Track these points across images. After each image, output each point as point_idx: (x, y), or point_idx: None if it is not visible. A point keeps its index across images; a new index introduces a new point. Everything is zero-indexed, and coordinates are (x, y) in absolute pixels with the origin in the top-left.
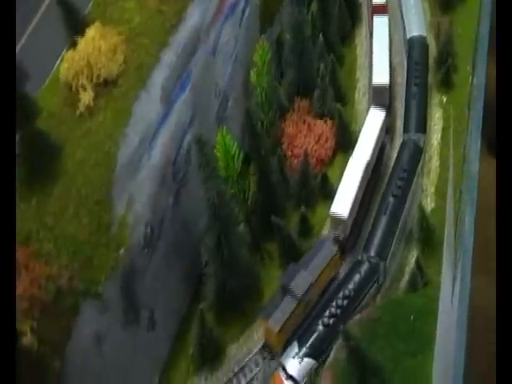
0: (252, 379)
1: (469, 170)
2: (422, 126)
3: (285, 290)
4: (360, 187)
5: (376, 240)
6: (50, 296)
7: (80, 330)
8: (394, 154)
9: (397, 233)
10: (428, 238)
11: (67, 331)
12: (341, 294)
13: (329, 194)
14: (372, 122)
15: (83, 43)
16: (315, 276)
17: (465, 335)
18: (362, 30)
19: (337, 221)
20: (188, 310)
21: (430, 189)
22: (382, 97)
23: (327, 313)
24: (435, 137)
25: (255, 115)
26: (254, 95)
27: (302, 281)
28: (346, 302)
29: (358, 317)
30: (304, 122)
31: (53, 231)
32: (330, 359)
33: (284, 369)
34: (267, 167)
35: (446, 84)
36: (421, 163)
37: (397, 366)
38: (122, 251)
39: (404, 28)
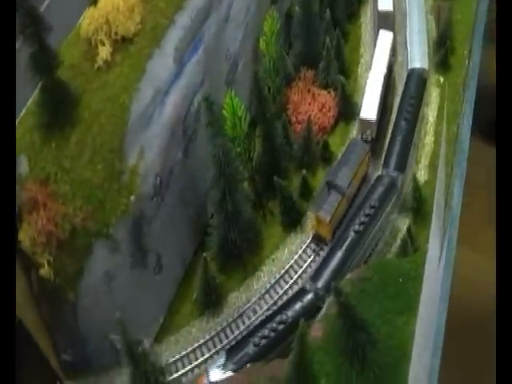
0: (249, 326)
1: (460, 145)
2: (402, 166)
3: (330, 186)
4: (381, 96)
5: (326, 272)
6: (66, 234)
7: (92, 267)
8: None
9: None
10: (420, 208)
11: (80, 267)
12: (277, 318)
13: (329, 160)
14: (383, 41)
15: (103, 2)
16: (354, 172)
17: (447, 300)
18: (367, 10)
19: (366, 124)
20: (193, 258)
21: (424, 162)
22: (387, 22)
23: (260, 333)
24: (431, 114)
25: (263, 81)
26: (263, 62)
27: (344, 176)
28: (280, 326)
29: (349, 276)
30: (309, 91)
31: (69, 174)
32: (321, 314)
33: (208, 375)
34: (272, 131)
35: (444, 65)
36: (392, 202)
37: (384, 323)
38: (132, 198)
39: (407, 56)
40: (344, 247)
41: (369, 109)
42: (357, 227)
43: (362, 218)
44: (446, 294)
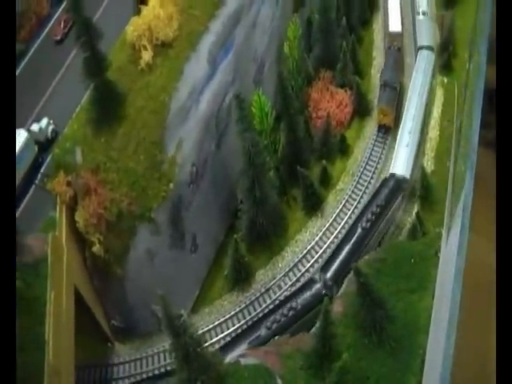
0: (275, 300)
1: (470, 140)
2: (339, 279)
3: (386, 85)
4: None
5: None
6: (113, 217)
7: (136, 246)
8: None
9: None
10: (428, 195)
11: (126, 246)
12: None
13: (346, 151)
14: None
15: (146, 11)
16: (397, 72)
17: (461, 281)
18: (379, 18)
19: (394, 36)
20: (224, 239)
21: (431, 154)
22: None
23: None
24: (436, 110)
25: (287, 81)
26: (286, 64)
27: (392, 76)
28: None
29: (366, 257)
30: (327, 89)
31: (116, 164)
32: (341, 291)
33: None
34: (295, 125)
35: (447, 67)
36: (314, 311)
37: (398, 300)
38: (171, 185)
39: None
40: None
41: (394, 23)
42: (269, 324)
43: (278, 317)
44: (460, 275)
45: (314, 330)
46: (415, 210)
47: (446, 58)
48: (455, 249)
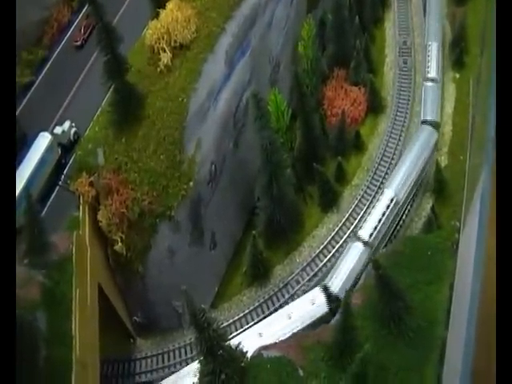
0: (293, 295)
1: (485, 134)
2: None
3: None
4: None
5: None
6: (135, 215)
7: (157, 244)
8: None
9: None
10: (442, 189)
11: (148, 244)
12: None
13: (360, 148)
14: None
15: (164, 14)
16: None
17: (480, 274)
18: (391, 16)
19: None
20: (243, 235)
21: (444, 149)
22: None
23: None
24: (449, 106)
25: (302, 80)
26: (301, 63)
27: None
28: None
29: (384, 250)
30: (342, 87)
31: (137, 164)
32: (359, 284)
33: None
34: (310, 123)
35: (459, 63)
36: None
37: (416, 292)
38: (191, 184)
39: None
40: None
41: None
42: None
43: None
44: (479, 268)
45: (333, 322)
46: (430, 203)
47: (458, 53)
48: (473, 242)
